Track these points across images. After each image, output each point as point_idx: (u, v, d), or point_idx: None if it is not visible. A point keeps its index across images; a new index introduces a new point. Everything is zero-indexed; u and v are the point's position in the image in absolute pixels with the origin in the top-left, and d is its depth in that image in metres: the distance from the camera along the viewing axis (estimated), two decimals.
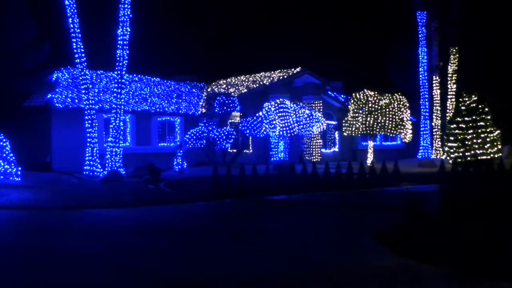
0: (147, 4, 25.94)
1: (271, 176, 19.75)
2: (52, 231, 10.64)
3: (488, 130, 24.20)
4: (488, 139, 24.05)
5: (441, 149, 30.06)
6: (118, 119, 20.76)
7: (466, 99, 24.62)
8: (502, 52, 35.72)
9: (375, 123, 26.79)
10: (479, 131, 24.13)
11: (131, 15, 20.63)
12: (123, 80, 21.00)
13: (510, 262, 6.87)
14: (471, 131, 24.18)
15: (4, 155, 18.27)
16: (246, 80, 31.21)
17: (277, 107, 26.11)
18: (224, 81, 32.53)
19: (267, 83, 29.26)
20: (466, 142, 24.11)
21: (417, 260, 7.55)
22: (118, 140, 20.68)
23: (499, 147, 24.61)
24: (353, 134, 27.96)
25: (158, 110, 25.72)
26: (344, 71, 38.13)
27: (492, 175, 20.91)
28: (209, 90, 30.78)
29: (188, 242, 9.38)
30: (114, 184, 18.17)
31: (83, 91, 20.76)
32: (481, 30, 31.90)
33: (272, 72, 31.06)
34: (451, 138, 24.70)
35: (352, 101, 27.85)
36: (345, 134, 28.39)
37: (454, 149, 24.46)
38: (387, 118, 26.77)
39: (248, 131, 26.29)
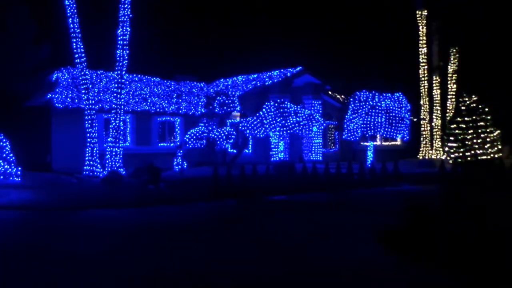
0: (147, 4, 25.93)
1: (271, 176, 19.77)
2: (52, 231, 10.64)
3: (488, 130, 24.17)
4: (488, 139, 24.03)
5: (441, 149, 30.04)
6: (118, 119, 20.76)
7: (466, 99, 24.60)
8: (502, 52, 35.69)
9: (375, 123, 26.77)
10: (479, 131, 24.10)
11: (131, 15, 20.63)
12: (123, 80, 21.00)
13: (510, 262, 6.87)
14: (471, 131, 24.15)
15: (4, 155, 18.28)
16: (246, 80, 31.20)
17: (277, 107, 26.10)
18: (224, 81, 32.52)
19: (267, 83, 29.25)
20: (466, 142, 24.08)
21: (417, 260, 7.55)
22: (118, 140, 20.68)
23: (499, 147, 24.58)
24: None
25: (158, 110, 25.72)
26: (344, 71, 38.11)
27: (492, 175, 20.92)
28: (209, 90, 30.78)
29: (188, 242, 9.38)
30: (114, 184, 18.16)
31: (83, 91, 20.76)
32: (481, 30, 31.88)
33: (272, 72, 31.05)
34: (451, 138, 24.68)
35: (352, 101, 27.82)
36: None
37: (454, 149, 24.44)
38: (387, 118, 26.75)
39: (248, 131, 26.28)
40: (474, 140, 23.98)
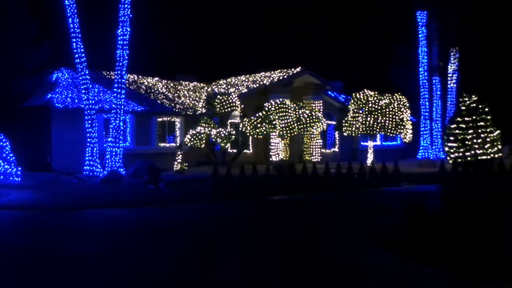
0: (147, 4, 25.93)
1: (271, 176, 19.78)
2: (52, 231, 10.64)
3: (488, 130, 24.17)
4: (488, 139, 24.03)
5: (441, 149, 30.04)
6: (118, 119, 20.76)
7: (466, 99, 24.61)
8: (502, 52, 35.70)
9: (375, 123, 26.77)
10: (479, 131, 24.11)
11: (131, 15, 20.63)
12: (123, 80, 21.00)
13: (510, 262, 6.87)
14: (471, 131, 24.15)
15: (4, 155, 18.26)
16: (246, 80, 31.19)
17: (277, 107, 26.10)
18: (224, 81, 32.52)
19: (267, 83, 29.24)
20: (466, 142, 24.08)
21: (417, 260, 7.55)
22: (118, 140, 20.68)
23: (499, 147, 24.59)
24: (353, 134, 27.94)
25: (158, 110, 25.71)
26: (344, 71, 38.10)
27: (492, 175, 20.92)
28: (209, 90, 30.77)
29: (187, 243, 9.38)
30: (114, 184, 18.17)
31: (83, 91, 20.76)
32: (481, 30, 31.87)
33: (272, 72, 31.04)
34: (451, 138, 24.68)
35: (352, 101, 27.83)
36: (345, 134, 28.37)
37: (454, 149, 24.44)
38: (387, 118, 26.76)
39: (248, 131, 26.28)
40: (474, 140, 23.97)
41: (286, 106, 26.32)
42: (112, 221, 11.79)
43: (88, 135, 20.65)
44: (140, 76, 29.39)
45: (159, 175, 18.47)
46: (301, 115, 26.17)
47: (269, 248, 8.75)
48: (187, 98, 28.71)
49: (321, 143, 29.78)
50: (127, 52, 20.66)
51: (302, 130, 26.34)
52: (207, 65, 39.23)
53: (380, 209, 12.76)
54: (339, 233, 10.12)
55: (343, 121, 28.15)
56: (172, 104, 26.86)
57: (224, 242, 9.33)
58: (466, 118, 24.35)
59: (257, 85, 29.56)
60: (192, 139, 24.71)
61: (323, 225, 11.09)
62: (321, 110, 29.42)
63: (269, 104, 26.55)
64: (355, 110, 27.44)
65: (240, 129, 26.94)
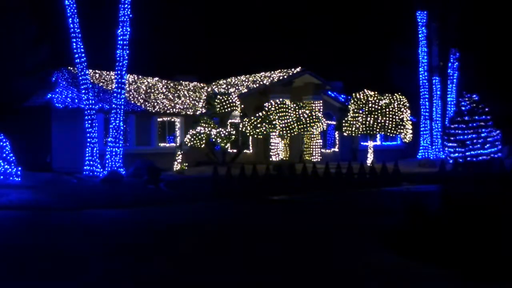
0: (147, 4, 25.93)
1: (271, 176, 19.78)
2: (52, 231, 10.64)
3: (488, 130, 24.19)
4: (488, 139, 24.05)
5: (441, 149, 30.05)
6: (118, 119, 20.76)
7: (466, 99, 24.62)
8: (502, 52, 35.68)
9: (375, 123, 26.77)
10: (479, 131, 24.13)
11: (131, 15, 20.63)
12: (123, 80, 21.00)
13: (510, 262, 6.87)
14: (471, 131, 24.18)
15: (4, 155, 18.26)
16: (246, 80, 31.20)
17: (277, 107, 26.10)
18: (224, 81, 32.52)
19: (267, 83, 29.24)
20: (466, 142, 24.11)
21: (417, 260, 7.55)
22: (118, 140, 20.68)
23: (499, 147, 24.61)
24: (353, 134, 27.94)
25: (158, 110, 25.71)
26: (344, 71, 38.10)
27: (492, 175, 20.92)
28: (209, 90, 30.77)
29: (187, 243, 9.38)
30: (114, 184, 18.17)
31: (83, 91, 20.77)
32: (481, 30, 31.88)
33: (272, 72, 31.04)
34: (451, 138, 24.70)
35: (352, 101, 27.83)
36: (345, 134, 28.37)
37: (454, 149, 24.46)
38: (387, 118, 26.76)
39: (248, 131, 26.28)
40: (474, 140, 23.99)
41: (286, 106, 26.32)
42: (112, 221, 11.80)
43: (88, 135, 20.65)
44: (140, 76, 29.37)
45: (159, 175, 18.47)
46: (301, 115, 26.17)
47: (269, 248, 8.75)
48: (187, 98, 28.71)
49: (321, 143, 29.78)
50: (127, 52, 20.66)
51: (302, 130, 26.34)
52: (207, 65, 39.25)
53: (380, 209, 12.76)
54: (339, 233, 10.12)
55: (343, 121, 28.15)
56: (172, 104, 26.85)
57: (224, 242, 9.33)
58: (466, 118, 24.36)
59: (257, 85, 29.55)
60: (192, 139, 24.71)
61: (323, 225, 11.09)
62: (321, 110, 29.42)
63: (269, 104, 26.55)
64: (355, 110, 27.44)
65: (240, 129, 26.94)
